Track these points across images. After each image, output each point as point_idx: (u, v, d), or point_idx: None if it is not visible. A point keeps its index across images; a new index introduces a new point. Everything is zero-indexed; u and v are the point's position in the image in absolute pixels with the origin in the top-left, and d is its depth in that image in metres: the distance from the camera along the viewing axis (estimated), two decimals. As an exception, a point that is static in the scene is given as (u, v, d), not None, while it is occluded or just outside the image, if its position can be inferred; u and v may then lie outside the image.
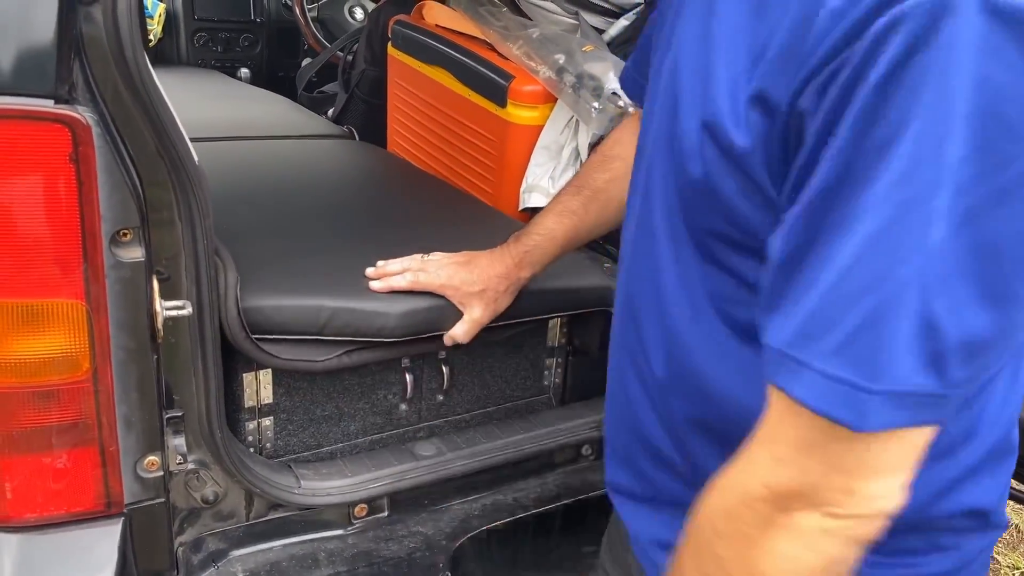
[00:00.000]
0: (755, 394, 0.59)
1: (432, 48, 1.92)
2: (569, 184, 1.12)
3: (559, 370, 1.42)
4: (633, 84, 0.99)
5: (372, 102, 2.29)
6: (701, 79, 0.64)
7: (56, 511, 0.88)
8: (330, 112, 2.49)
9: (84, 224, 0.79)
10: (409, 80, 2.03)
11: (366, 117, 2.32)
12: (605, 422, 0.90)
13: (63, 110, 0.77)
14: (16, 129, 0.75)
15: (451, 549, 1.18)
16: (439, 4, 2.01)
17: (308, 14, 2.88)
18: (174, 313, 0.90)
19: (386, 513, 1.21)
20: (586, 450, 1.38)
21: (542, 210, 1.15)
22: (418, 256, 1.18)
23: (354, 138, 2.22)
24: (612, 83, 1.56)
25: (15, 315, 0.79)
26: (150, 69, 0.83)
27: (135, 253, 0.85)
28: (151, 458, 0.93)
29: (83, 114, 0.78)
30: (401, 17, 2.05)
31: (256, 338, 1.05)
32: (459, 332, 1.15)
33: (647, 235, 0.75)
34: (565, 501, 1.30)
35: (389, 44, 2.08)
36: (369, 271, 1.16)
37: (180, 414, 0.96)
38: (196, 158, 0.90)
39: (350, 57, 2.39)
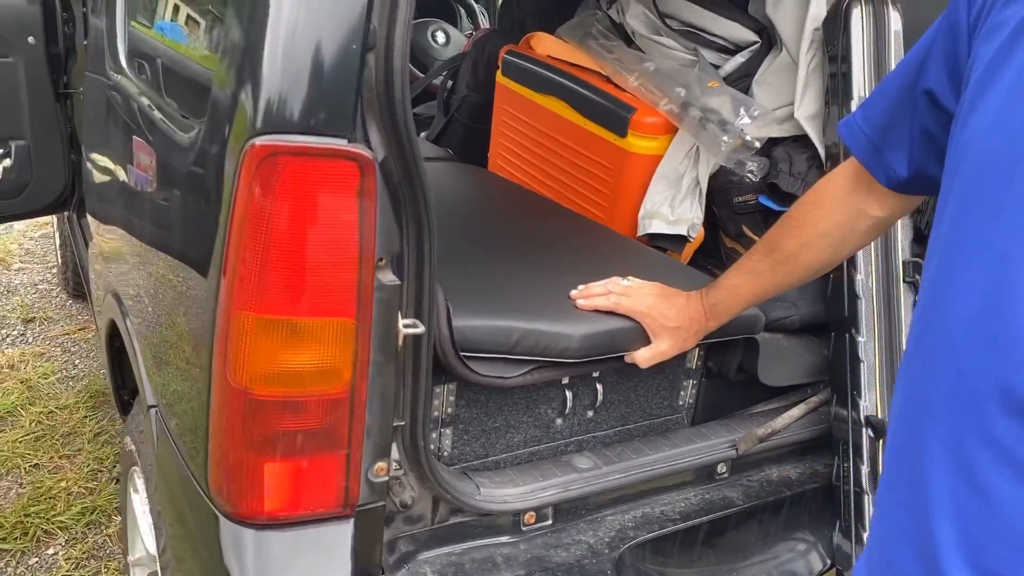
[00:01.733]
0: None
1: (546, 78, 2.01)
2: (760, 242, 1.18)
3: (693, 391, 1.50)
4: (859, 135, 0.99)
5: (472, 126, 2.38)
6: None
7: (304, 511, 0.96)
8: (423, 135, 2.59)
9: (362, 250, 0.88)
10: (519, 107, 2.12)
11: (465, 140, 2.41)
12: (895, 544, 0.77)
13: (354, 148, 0.85)
14: (316, 165, 0.84)
15: (615, 558, 1.26)
16: (549, 36, 2.11)
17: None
18: (411, 331, 0.98)
19: (550, 521, 1.28)
20: (721, 468, 1.46)
21: (731, 266, 1.23)
22: (617, 279, 1.26)
23: (455, 159, 2.31)
24: (742, 119, 1.65)
25: (298, 331, 0.87)
26: (410, 109, 0.92)
27: (391, 277, 0.94)
28: (380, 464, 1.01)
29: (367, 151, 0.87)
30: (512, 47, 2.14)
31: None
32: (643, 357, 1.23)
33: None
34: (710, 515, 1.37)
35: (498, 72, 2.17)
36: (573, 292, 1.25)
37: (403, 423, 1.04)
38: (428, 184, 0.99)
39: (450, 82, 2.49)
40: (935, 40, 0.89)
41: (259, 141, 0.84)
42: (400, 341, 0.97)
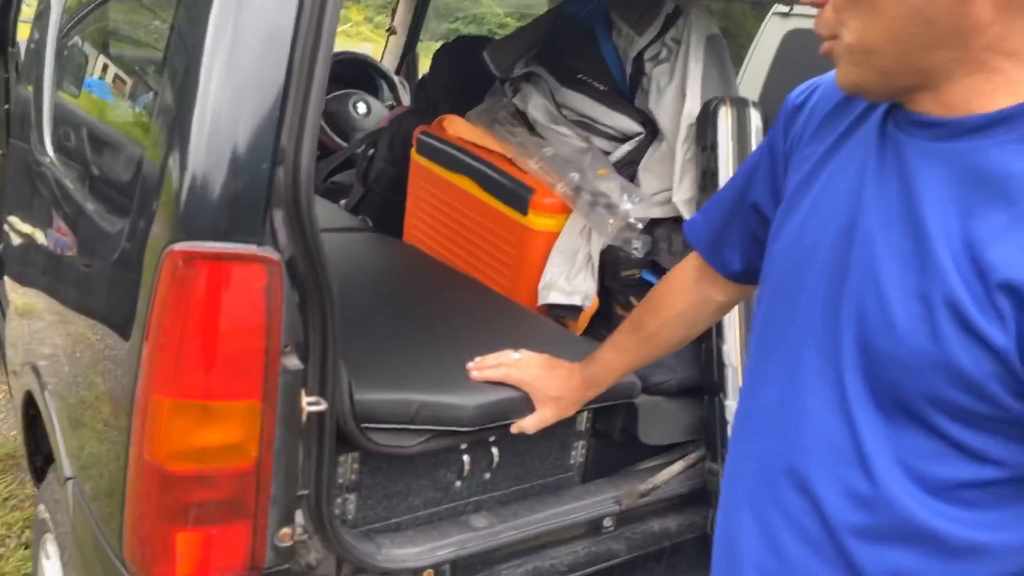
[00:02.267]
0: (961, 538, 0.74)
1: (456, 158, 2.17)
2: (627, 321, 1.34)
3: (583, 451, 1.65)
4: (700, 235, 1.16)
5: (389, 197, 2.53)
6: (916, 258, 0.74)
7: (213, 575, 1.05)
8: (343, 202, 2.72)
9: (269, 341, 0.99)
10: (432, 184, 2.28)
11: (382, 210, 2.55)
12: None
13: (262, 252, 0.98)
14: (229, 268, 0.96)
15: (506, 610, 1.38)
16: (460, 118, 2.28)
17: (317, 108, 3.12)
18: (314, 408, 1.10)
19: (448, 577, 1.39)
20: (607, 522, 1.60)
21: (605, 342, 1.39)
22: (509, 352, 1.41)
23: (372, 229, 2.44)
24: (626, 203, 1.84)
25: (210, 413, 0.98)
26: (316, 214, 1.05)
27: (295, 362, 1.06)
28: (285, 530, 1.11)
29: (274, 254, 0.99)
30: (425, 128, 2.30)
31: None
32: (528, 424, 1.38)
33: (805, 394, 0.82)
34: (596, 567, 1.51)
35: (413, 150, 2.33)
36: (469, 364, 1.38)
37: (307, 492, 1.14)
38: (331, 277, 1.12)
39: (370, 152, 2.63)
40: (760, 160, 1.07)
41: (178, 247, 0.96)
42: (304, 418, 1.09)
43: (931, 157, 0.77)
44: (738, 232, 1.11)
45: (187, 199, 0.97)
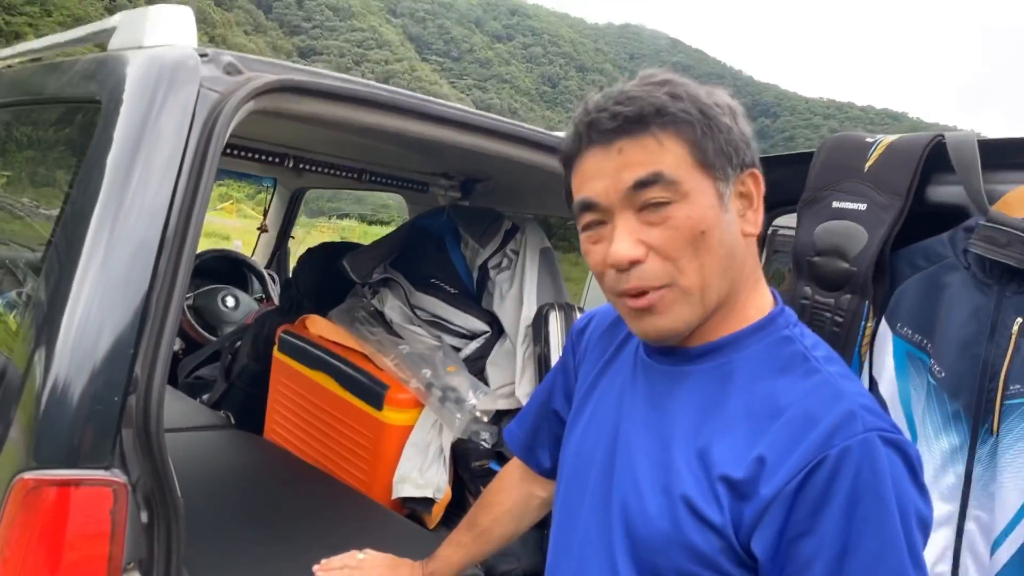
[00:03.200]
0: None
1: (316, 356, 2.31)
2: (464, 518, 1.45)
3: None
4: (516, 440, 1.32)
5: (251, 392, 2.60)
6: (661, 459, 0.92)
7: None
8: (206, 396, 2.75)
9: (111, 561, 1.05)
10: (293, 380, 2.38)
11: (244, 404, 2.60)
12: None
13: (110, 475, 1.06)
14: (75, 492, 1.03)
15: None
16: (321, 318, 2.44)
17: (185, 302, 3.21)
18: (154, 623, 1.14)
19: None
20: None
21: (446, 539, 1.48)
22: (355, 553, 1.48)
23: (232, 424, 2.49)
24: (471, 399, 2.01)
25: (45, 638, 1.01)
26: (163, 438, 1.15)
27: (137, 577, 1.11)
28: None
29: (121, 477, 1.08)
30: (288, 327, 2.44)
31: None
32: None
33: (590, 574, 0.98)
34: None
35: (276, 348, 2.44)
36: (315, 567, 1.44)
37: None
38: (179, 494, 1.20)
39: (237, 345, 2.71)
40: (557, 375, 1.28)
41: (27, 475, 1.03)
42: (143, 633, 1.12)
43: (674, 378, 0.99)
44: (546, 435, 1.30)
45: (41, 425, 1.05)
